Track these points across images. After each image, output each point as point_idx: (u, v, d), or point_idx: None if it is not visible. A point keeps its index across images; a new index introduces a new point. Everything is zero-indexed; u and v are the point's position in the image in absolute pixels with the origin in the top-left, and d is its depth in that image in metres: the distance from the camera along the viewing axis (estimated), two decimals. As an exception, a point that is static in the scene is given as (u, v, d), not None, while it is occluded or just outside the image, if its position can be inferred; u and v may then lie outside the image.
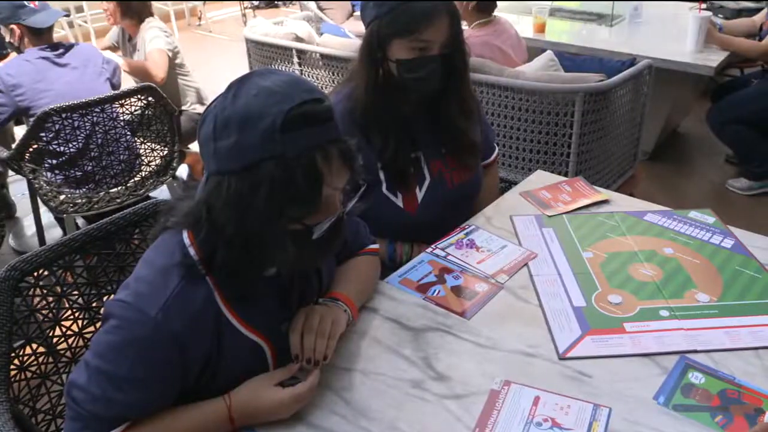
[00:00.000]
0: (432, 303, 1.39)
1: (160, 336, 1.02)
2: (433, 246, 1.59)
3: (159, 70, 3.28)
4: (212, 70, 5.67)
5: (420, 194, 1.69)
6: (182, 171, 3.61)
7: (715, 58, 3.34)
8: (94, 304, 1.38)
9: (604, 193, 1.80)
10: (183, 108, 3.52)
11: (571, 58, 3.17)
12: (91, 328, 1.38)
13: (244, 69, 3.73)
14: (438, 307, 1.38)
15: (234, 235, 1.01)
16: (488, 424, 1.10)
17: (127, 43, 3.58)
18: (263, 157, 0.98)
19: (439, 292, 1.43)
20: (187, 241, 1.07)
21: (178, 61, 3.49)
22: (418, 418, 1.11)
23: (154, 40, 3.34)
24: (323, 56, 3.22)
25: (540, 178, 1.94)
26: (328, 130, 1.02)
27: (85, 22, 6.79)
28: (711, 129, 3.66)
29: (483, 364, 1.23)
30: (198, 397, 1.09)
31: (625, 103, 2.77)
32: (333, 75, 3.18)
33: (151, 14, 3.47)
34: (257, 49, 3.55)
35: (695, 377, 1.20)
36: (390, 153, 1.62)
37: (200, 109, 3.54)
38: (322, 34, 3.49)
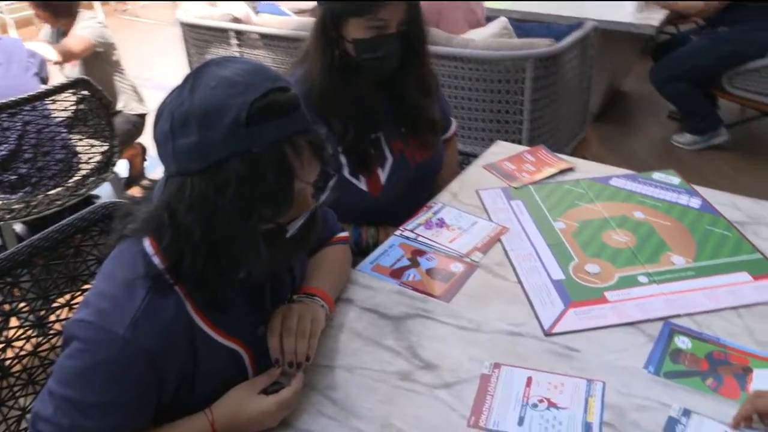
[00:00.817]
0: (408, 288, 1.35)
1: (130, 355, 0.94)
2: (401, 228, 1.54)
3: (77, 45, 3.12)
4: (144, 59, 5.46)
5: (383, 176, 1.64)
6: (120, 167, 3.47)
7: (656, 18, 3.37)
8: (46, 318, 1.29)
9: (568, 161, 1.78)
10: (118, 109, 3.36)
11: (518, 25, 3.14)
12: (47, 345, 1.30)
13: (178, 55, 3.60)
14: (415, 292, 1.34)
15: (201, 240, 0.94)
16: (483, 411, 1.07)
17: (61, 38, 3.41)
18: (228, 154, 0.90)
19: (414, 276, 1.38)
20: (149, 249, 1.00)
21: (114, 58, 3.32)
22: (411, 412, 1.07)
23: (83, 30, 3.18)
24: (263, 36, 3.11)
25: (501, 149, 1.90)
26: (295, 120, 0.95)
27: (1, 12, 6.44)
28: (654, 87, 3.70)
29: (469, 348, 1.20)
30: (178, 413, 1.03)
31: (574, 66, 2.76)
32: (275, 55, 3.08)
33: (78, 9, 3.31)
34: (192, 32, 3.41)
35: (682, 342, 1.19)
36: (350, 136, 1.56)
37: (138, 109, 3.39)
38: (258, 12, 3.37)
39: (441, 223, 1.54)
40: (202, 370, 1.03)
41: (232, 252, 0.96)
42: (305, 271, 1.27)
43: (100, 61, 3.26)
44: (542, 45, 2.52)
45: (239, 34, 3.20)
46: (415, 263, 1.42)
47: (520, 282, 1.35)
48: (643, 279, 1.33)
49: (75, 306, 1.33)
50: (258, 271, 1.01)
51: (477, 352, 1.19)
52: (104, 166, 2.86)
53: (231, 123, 0.90)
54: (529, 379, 1.12)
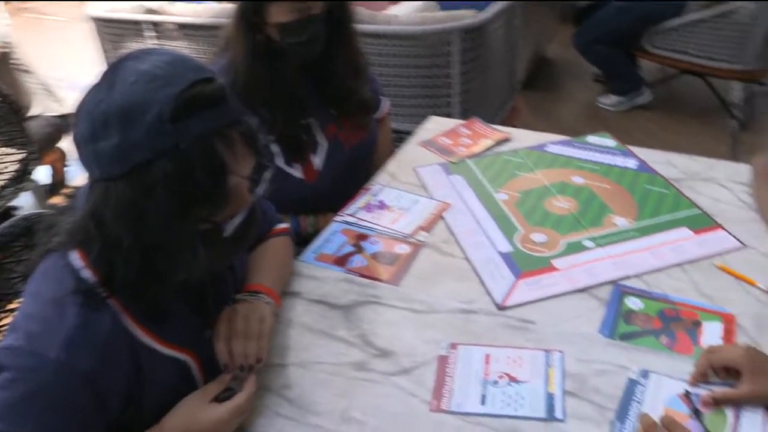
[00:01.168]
0: (355, 275, 1.31)
1: (66, 379, 0.87)
2: (341, 213, 1.50)
3: None
4: (55, 58, 5.21)
5: (318, 162, 1.59)
6: (42, 174, 3.30)
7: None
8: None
9: (504, 131, 1.77)
10: (35, 113, 3.17)
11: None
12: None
13: (92, 52, 3.43)
14: (363, 279, 1.30)
15: (133, 248, 0.87)
16: (444, 393, 1.04)
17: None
18: (154, 154, 0.84)
19: (359, 262, 1.35)
20: (77, 262, 0.92)
21: (18, 58, 3.13)
22: (371, 402, 1.04)
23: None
24: (181, 26, 2.99)
25: (435, 125, 1.88)
26: (224, 111, 0.89)
27: None
28: (578, 51, 3.74)
29: (423, 330, 1.17)
30: (127, 432, 0.97)
31: (500, 36, 2.76)
32: (197, 46, 2.96)
33: None
34: (105, 27, 3.24)
35: (633, 303, 1.20)
36: (280, 124, 1.50)
37: (57, 110, 3.20)
38: (174, 1, 3.23)
39: (381, 205, 1.51)
40: (149, 385, 0.97)
41: (168, 258, 0.90)
42: (246, 268, 1.22)
43: (5, 64, 3.07)
44: (467, 17, 2.50)
45: (156, 25, 3.06)
46: (359, 249, 1.38)
47: (467, 258, 1.33)
48: (588, 243, 1.33)
49: (2, 330, 1.24)
50: (197, 275, 0.95)
51: (432, 333, 1.16)
52: (21, 175, 2.71)
53: (154, 120, 0.83)
54: (488, 356, 1.10)
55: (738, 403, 1.00)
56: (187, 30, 2.98)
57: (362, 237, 1.41)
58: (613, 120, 3.70)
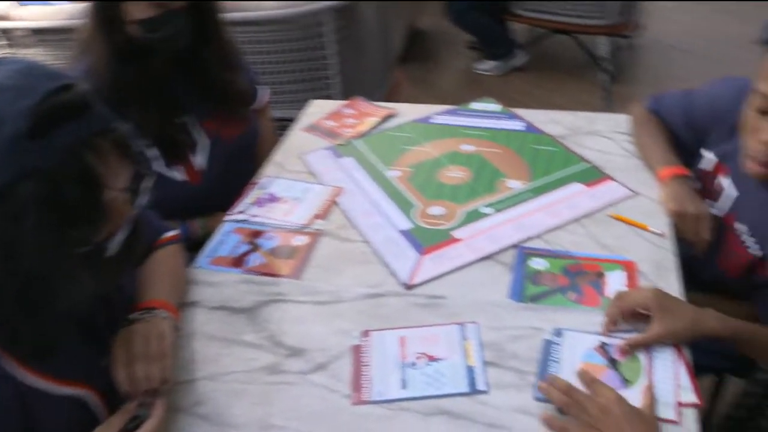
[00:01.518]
0: (255, 274, 1.25)
1: None
2: (231, 212, 1.42)
3: None
4: None
5: (200, 160, 1.51)
6: None
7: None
8: None
9: (389, 108, 1.74)
10: None
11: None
12: None
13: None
14: (263, 277, 1.24)
15: (4, 284, 0.78)
16: (363, 384, 1.01)
17: None
18: (15, 176, 0.74)
19: (257, 260, 1.28)
20: None
21: None
22: (290, 405, 0.99)
23: None
24: (34, 32, 2.77)
25: (317, 109, 1.82)
26: (90, 120, 0.80)
27: None
28: (451, 21, 3.78)
29: (333, 321, 1.13)
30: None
31: (372, 12, 2.72)
32: (56, 52, 2.75)
33: None
34: (-55, 42, 2.97)
35: (537, 263, 1.20)
36: (154, 125, 1.40)
37: None
38: (22, 4, 2.99)
39: (272, 198, 1.45)
40: (45, 431, 0.88)
41: (46, 289, 0.80)
42: (136, 285, 1.13)
43: None
44: (336, -5, 2.44)
45: (5, 33, 2.82)
46: (255, 246, 1.32)
47: (367, 241, 1.29)
48: (486, 210, 1.33)
49: None
50: (82, 302, 0.86)
51: (342, 324, 1.12)
52: None
53: (10, 137, 0.73)
54: (402, 339, 1.08)
55: (650, 345, 1.03)
56: (41, 35, 2.77)
57: (257, 234, 1.35)
58: (492, 85, 3.76)
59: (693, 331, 1.04)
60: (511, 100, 2.05)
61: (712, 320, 1.05)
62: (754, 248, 1.24)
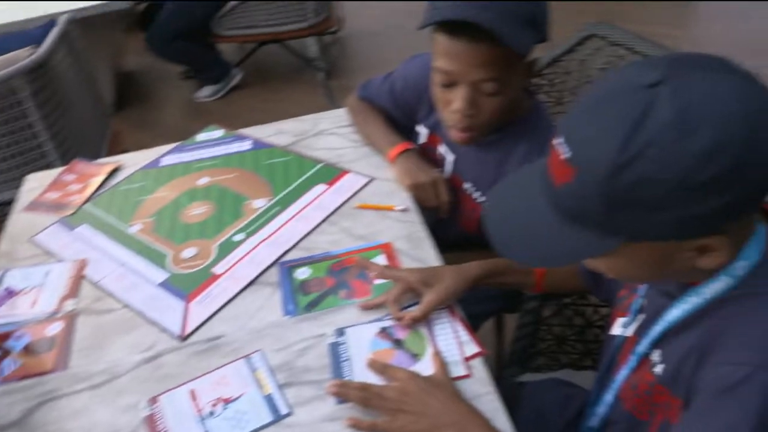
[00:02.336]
0: (14, 381, 1.12)
1: None
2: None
3: None
4: None
5: None
6: None
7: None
8: None
9: (111, 162, 1.64)
10: None
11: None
12: None
13: None
14: (25, 381, 1.11)
15: None
16: (164, 454, 0.95)
17: None
18: None
19: (12, 365, 1.15)
20: None
21: None
22: None
23: None
24: None
25: (36, 183, 1.66)
26: None
27: None
28: (155, 54, 3.65)
29: (116, 400, 1.05)
30: None
31: (70, 65, 2.54)
32: None
33: None
34: None
35: (302, 273, 1.22)
36: None
37: None
38: None
39: (10, 293, 1.30)
40: None
41: None
42: None
43: None
44: (24, 56, 2.25)
45: None
46: (5, 351, 1.18)
47: (128, 305, 1.22)
48: (239, 237, 1.32)
49: None
50: None
51: (126, 399, 1.05)
52: None
53: None
54: (192, 392, 1.03)
55: (429, 312, 1.09)
56: None
57: (4, 337, 1.21)
58: (217, 109, 3.73)
59: (461, 283, 1.11)
60: (240, 119, 2.05)
61: (473, 268, 1.13)
62: (483, 201, 1.36)
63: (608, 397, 0.98)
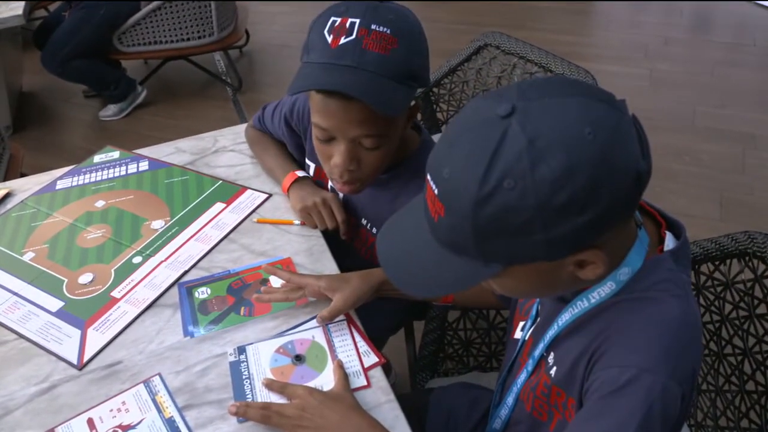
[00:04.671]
0: None
1: None
2: None
3: None
4: None
5: None
6: None
7: (17, 6, 3.15)
8: None
9: (1, 188, 1.59)
10: None
11: None
12: None
13: None
14: None
15: None
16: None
17: None
18: None
19: None
20: None
21: None
22: None
23: None
24: None
25: None
26: None
27: None
28: (53, 74, 3.52)
29: (7, 437, 1.02)
30: None
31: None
32: None
33: None
34: None
35: (201, 293, 1.21)
36: None
37: None
38: None
39: None
40: None
41: None
42: None
43: None
44: None
45: None
46: None
47: (22, 336, 1.18)
48: (137, 260, 1.30)
49: None
50: None
51: (19, 435, 1.02)
52: None
53: None
54: (90, 421, 1.01)
55: (334, 316, 1.12)
56: None
57: None
58: (122, 128, 3.64)
59: (367, 287, 1.13)
60: (147, 137, 2.01)
61: (379, 273, 1.15)
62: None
63: (510, 399, 1.01)
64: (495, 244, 0.70)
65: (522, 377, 0.97)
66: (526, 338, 0.99)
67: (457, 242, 0.73)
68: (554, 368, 0.88)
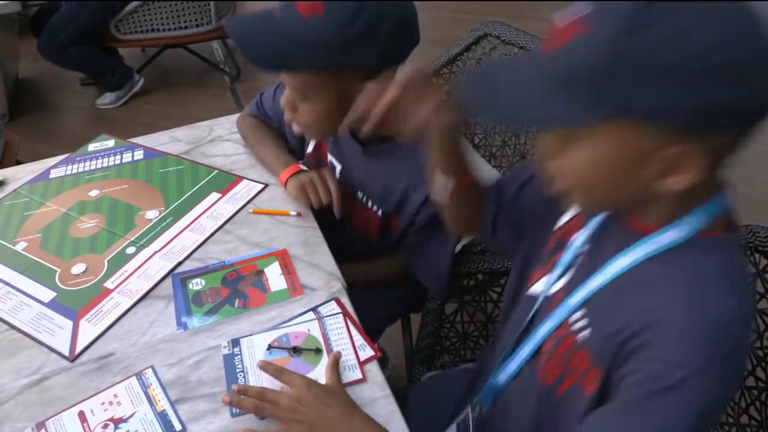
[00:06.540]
0: None
1: None
2: None
3: None
4: None
5: None
6: None
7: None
8: None
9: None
10: None
11: None
12: None
13: None
14: None
15: None
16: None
17: None
18: None
19: None
20: None
21: None
22: None
23: None
24: None
25: None
26: None
27: None
28: (50, 60, 3.49)
29: (1, 428, 1.00)
30: None
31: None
32: None
33: None
34: None
35: (196, 284, 1.19)
36: None
37: None
38: None
39: None
40: None
41: None
42: None
43: None
44: None
45: None
46: None
47: (13, 327, 1.17)
48: (131, 250, 1.28)
49: None
50: None
51: (12, 426, 0.99)
52: None
53: None
54: (81, 414, 1.00)
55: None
56: None
57: None
58: (119, 116, 3.62)
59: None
60: (144, 125, 1.99)
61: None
62: (376, 208, 1.33)
63: (524, 351, 0.93)
64: (621, 80, 0.63)
65: (546, 327, 0.88)
66: (554, 290, 0.90)
67: (573, 73, 0.66)
68: (588, 330, 0.80)
